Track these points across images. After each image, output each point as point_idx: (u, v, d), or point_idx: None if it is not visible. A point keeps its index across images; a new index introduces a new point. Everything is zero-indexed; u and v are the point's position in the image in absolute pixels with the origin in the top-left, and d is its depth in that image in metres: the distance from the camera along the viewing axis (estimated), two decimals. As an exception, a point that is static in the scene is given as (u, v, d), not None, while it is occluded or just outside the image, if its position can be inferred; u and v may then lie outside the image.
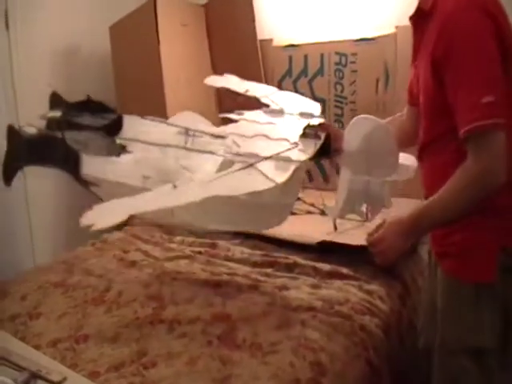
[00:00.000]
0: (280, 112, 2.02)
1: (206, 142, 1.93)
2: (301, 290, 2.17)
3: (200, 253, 2.61)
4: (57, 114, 1.81)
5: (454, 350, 1.58)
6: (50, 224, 3.67)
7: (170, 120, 2.04)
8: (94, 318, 2.04)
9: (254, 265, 2.43)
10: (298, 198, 2.28)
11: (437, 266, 1.67)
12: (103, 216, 1.41)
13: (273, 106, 2.10)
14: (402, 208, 1.75)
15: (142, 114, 1.98)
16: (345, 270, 2.27)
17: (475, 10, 1.35)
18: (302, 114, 1.94)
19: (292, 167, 1.62)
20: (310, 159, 1.75)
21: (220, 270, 2.40)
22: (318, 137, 1.78)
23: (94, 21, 3.64)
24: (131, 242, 2.84)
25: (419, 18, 1.54)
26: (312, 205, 2.62)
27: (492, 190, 1.41)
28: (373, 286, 2.18)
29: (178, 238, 2.83)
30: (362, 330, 1.91)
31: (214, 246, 2.67)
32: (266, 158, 1.63)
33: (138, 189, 1.67)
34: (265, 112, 2.05)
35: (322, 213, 2.28)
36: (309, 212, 2.82)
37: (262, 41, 3.54)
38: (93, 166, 1.70)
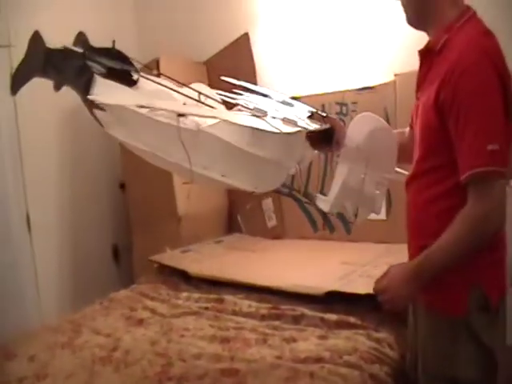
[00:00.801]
0: (290, 104, 1.97)
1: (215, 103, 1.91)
2: (309, 342, 2.16)
3: (207, 308, 2.61)
4: (79, 49, 1.81)
5: (434, 378, 1.60)
6: (57, 282, 3.69)
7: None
8: (101, 378, 2.03)
9: (262, 318, 2.43)
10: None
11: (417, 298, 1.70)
12: (111, 96, 1.57)
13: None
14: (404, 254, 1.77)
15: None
16: (352, 319, 2.26)
17: (485, 63, 1.40)
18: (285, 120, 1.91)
19: (296, 128, 1.64)
20: (310, 138, 1.77)
21: (227, 324, 2.39)
22: (324, 122, 1.82)
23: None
24: (138, 300, 2.84)
25: (427, 53, 1.59)
26: (298, 191, 2.24)
27: (492, 235, 1.45)
28: (381, 334, 2.16)
29: (185, 294, 2.83)
30: (372, 380, 1.89)
31: (220, 301, 2.67)
32: (274, 118, 1.67)
33: (143, 116, 1.65)
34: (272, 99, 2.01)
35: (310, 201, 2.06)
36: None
37: (263, 94, 3.63)
38: (104, 89, 1.68)
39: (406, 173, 1.75)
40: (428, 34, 1.61)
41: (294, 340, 2.18)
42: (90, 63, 1.73)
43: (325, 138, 1.83)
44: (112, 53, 1.86)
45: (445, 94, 1.44)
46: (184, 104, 1.72)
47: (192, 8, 4.14)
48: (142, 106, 1.58)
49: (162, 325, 2.47)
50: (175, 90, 1.78)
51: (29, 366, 2.18)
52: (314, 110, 1.86)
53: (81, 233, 3.84)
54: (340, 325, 2.27)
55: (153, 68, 3.56)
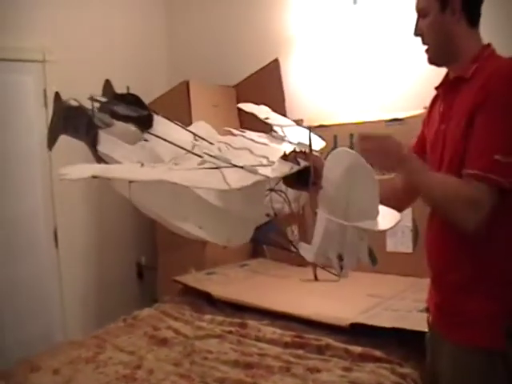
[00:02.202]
0: (280, 139, 2.02)
1: (209, 148, 1.91)
2: (332, 373, 2.14)
3: (230, 332, 2.61)
4: (102, 99, 2.01)
5: None
6: (82, 298, 3.72)
7: (190, 127, 2.15)
8: (125, 395, 2.04)
9: (285, 346, 2.42)
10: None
11: (440, 338, 1.66)
12: (76, 171, 1.59)
13: (278, 133, 2.09)
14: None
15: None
16: (377, 353, 2.24)
17: None
18: (300, 144, 1.90)
19: (254, 178, 1.55)
20: (284, 179, 1.68)
21: (251, 350, 2.39)
22: (297, 162, 1.67)
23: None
24: (161, 319, 2.86)
25: (451, 86, 1.61)
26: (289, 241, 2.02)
27: (463, 219, 1.46)
28: (406, 369, 2.14)
29: (208, 317, 2.84)
30: (396, 416, 1.87)
31: (244, 325, 2.67)
32: (235, 166, 1.60)
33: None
34: (267, 136, 2.06)
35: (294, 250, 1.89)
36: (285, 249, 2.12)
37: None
38: (106, 144, 1.83)
39: (397, 219, 1.65)
40: (450, 69, 1.64)
41: (318, 370, 2.17)
42: (97, 119, 1.89)
43: (302, 180, 1.68)
44: (128, 98, 2.05)
45: (479, 98, 1.46)
46: (142, 165, 1.69)
47: (223, 32, 4.23)
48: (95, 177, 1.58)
49: (185, 346, 2.48)
50: (166, 140, 1.88)
51: (53, 379, 2.21)
52: (293, 149, 1.74)
53: (106, 250, 3.89)
54: (364, 357, 2.25)
55: (183, 91, 3.65)
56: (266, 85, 3.75)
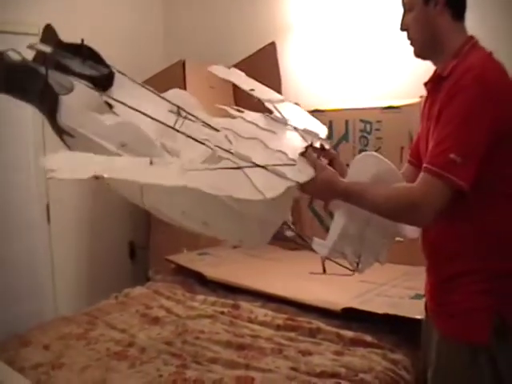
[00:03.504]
0: (282, 121, 1.81)
1: (196, 128, 1.72)
2: (324, 356, 2.15)
3: (223, 313, 2.61)
4: (47, 48, 1.65)
5: None
6: (73, 275, 3.71)
7: (163, 95, 1.88)
8: (117, 373, 2.04)
9: (278, 328, 2.42)
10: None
11: (431, 326, 1.67)
12: (69, 165, 1.30)
13: (276, 114, 1.88)
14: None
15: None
16: (369, 338, 2.26)
17: (479, 87, 1.42)
18: (307, 132, 1.74)
19: (285, 184, 1.43)
20: (303, 185, 1.52)
21: (243, 331, 2.40)
22: (322, 155, 1.62)
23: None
24: (153, 298, 2.85)
25: (434, 84, 1.61)
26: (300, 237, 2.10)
27: (409, 222, 1.59)
28: (397, 356, 2.15)
29: (200, 297, 2.84)
30: (387, 401, 1.88)
31: (236, 306, 2.67)
32: (258, 166, 1.44)
33: (112, 153, 1.53)
34: (266, 118, 1.84)
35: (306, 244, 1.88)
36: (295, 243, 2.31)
37: (287, 105, 3.65)
38: (72, 115, 1.54)
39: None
40: (435, 64, 1.63)
41: (310, 353, 2.18)
42: (55, 79, 1.55)
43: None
44: (84, 52, 1.71)
45: (447, 97, 1.46)
46: (151, 162, 1.40)
47: (221, 14, 4.19)
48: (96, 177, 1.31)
49: (177, 325, 2.48)
50: (150, 117, 1.61)
51: (43, 355, 2.20)
52: (310, 143, 1.65)
53: (99, 227, 3.87)
54: (356, 342, 2.26)
55: (178, 70, 3.61)
56: (263, 67, 3.71)
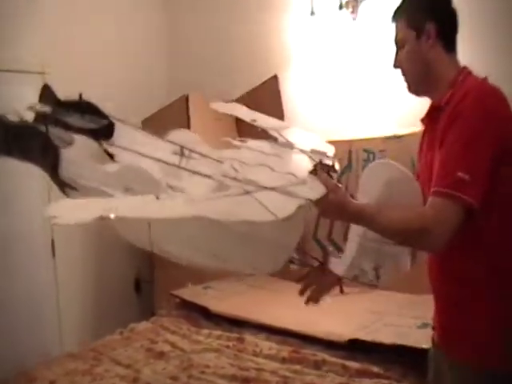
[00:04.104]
0: (288, 145, 1.78)
1: (201, 164, 1.68)
2: (330, 388, 2.14)
3: (228, 347, 2.61)
4: (46, 108, 1.65)
5: None
6: (79, 311, 3.71)
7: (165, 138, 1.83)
8: (122, 409, 2.03)
9: (283, 361, 2.41)
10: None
11: (444, 356, 1.63)
12: (71, 211, 1.26)
13: (281, 140, 1.86)
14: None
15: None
16: (375, 369, 2.24)
17: (482, 108, 1.44)
18: (315, 152, 1.71)
19: (296, 203, 1.38)
20: (317, 202, 1.47)
21: (248, 364, 2.39)
22: (330, 177, 1.57)
23: (127, 113, 3.83)
24: (159, 333, 2.85)
25: (432, 116, 1.62)
26: (315, 258, 1.98)
27: (422, 247, 1.53)
28: (404, 386, 2.14)
29: (205, 331, 2.83)
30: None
31: (241, 340, 2.66)
32: (267, 188, 1.41)
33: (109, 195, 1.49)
34: (271, 144, 1.82)
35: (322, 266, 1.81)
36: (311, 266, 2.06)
37: (291, 136, 3.68)
38: (73, 167, 1.53)
39: None
40: (430, 98, 1.65)
41: (315, 386, 2.17)
42: (56, 134, 1.56)
43: None
44: (82, 106, 1.70)
45: (447, 124, 1.47)
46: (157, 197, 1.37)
47: (224, 48, 4.26)
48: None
49: (182, 360, 2.47)
50: (154, 158, 1.59)
51: (49, 391, 2.20)
52: (320, 160, 1.63)
53: (104, 263, 3.87)
54: (362, 373, 2.24)
55: (182, 105, 3.67)
56: (265, 101, 3.76)
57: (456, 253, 1.53)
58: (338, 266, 1.71)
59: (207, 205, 1.35)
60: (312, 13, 3.62)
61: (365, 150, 3.39)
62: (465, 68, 1.60)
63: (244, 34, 4.14)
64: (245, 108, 2.14)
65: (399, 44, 1.62)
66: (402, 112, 3.38)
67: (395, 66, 1.65)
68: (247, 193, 1.39)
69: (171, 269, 3.68)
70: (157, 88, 4.36)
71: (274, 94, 3.78)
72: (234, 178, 1.48)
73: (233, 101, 3.96)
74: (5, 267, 3.33)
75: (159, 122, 3.77)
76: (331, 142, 3.43)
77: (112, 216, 1.21)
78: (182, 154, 1.70)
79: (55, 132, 1.58)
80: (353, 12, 3.55)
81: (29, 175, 3.46)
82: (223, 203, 1.37)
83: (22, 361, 2.56)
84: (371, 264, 1.70)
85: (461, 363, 1.55)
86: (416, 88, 1.65)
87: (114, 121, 1.74)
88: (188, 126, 3.58)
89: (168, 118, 3.70)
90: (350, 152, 3.42)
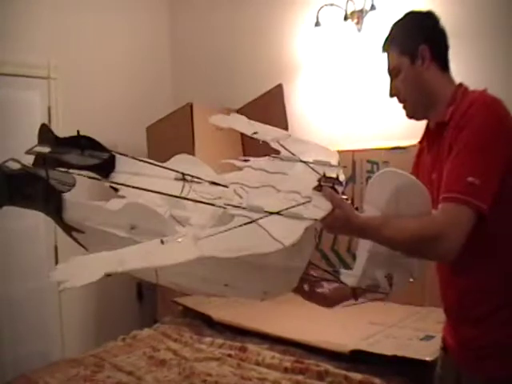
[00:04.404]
0: (291, 159, 1.76)
1: (204, 190, 1.69)
2: (332, 400, 2.14)
3: (230, 355, 2.60)
4: (45, 149, 1.66)
5: None
6: (81, 317, 3.71)
7: (167, 164, 1.84)
8: (124, 416, 2.03)
9: (285, 371, 2.41)
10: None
11: (460, 372, 1.60)
12: (78, 272, 1.25)
13: (284, 153, 1.83)
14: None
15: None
16: (377, 381, 2.23)
17: (492, 115, 1.45)
18: (318, 162, 1.69)
19: (303, 226, 1.38)
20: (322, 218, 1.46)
21: (250, 374, 2.38)
22: (335, 191, 1.53)
23: (132, 121, 3.85)
24: (161, 341, 2.85)
25: (434, 134, 1.62)
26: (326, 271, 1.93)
27: (435, 255, 1.45)
28: (406, 398, 2.13)
29: (208, 339, 2.83)
30: None
31: (244, 349, 2.66)
32: (272, 213, 1.40)
33: (125, 239, 1.50)
34: (274, 159, 1.80)
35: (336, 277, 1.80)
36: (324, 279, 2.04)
37: (295, 145, 3.69)
38: (77, 210, 1.52)
39: None
40: (429, 118, 1.66)
41: (318, 396, 2.16)
42: (57, 178, 1.56)
43: None
44: (81, 142, 1.70)
45: (454, 135, 1.47)
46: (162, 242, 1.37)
47: (229, 57, 4.28)
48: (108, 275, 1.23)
49: (184, 368, 2.47)
50: (155, 191, 1.58)
51: (51, 397, 2.20)
52: (323, 173, 1.60)
53: (107, 269, 3.87)
54: (364, 385, 2.24)
55: (186, 114, 3.68)
56: (269, 110, 3.77)
57: (468, 264, 1.51)
58: (349, 277, 1.68)
59: (213, 242, 1.33)
60: (317, 23, 3.64)
61: (368, 161, 3.39)
62: (461, 84, 1.61)
63: (249, 43, 4.17)
64: (245, 119, 2.11)
65: (393, 73, 1.64)
66: (406, 123, 3.36)
67: (391, 95, 1.66)
68: (252, 221, 1.38)
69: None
70: (161, 96, 4.38)
71: (279, 103, 3.79)
72: (238, 206, 1.47)
73: (237, 110, 4.00)
74: (8, 272, 3.34)
75: (163, 130, 3.79)
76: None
77: (119, 270, 1.21)
78: (184, 180, 1.70)
79: (56, 175, 1.57)
80: (358, 23, 3.57)
81: None
82: (229, 238, 1.35)
83: (24, 366, 2.56)
84: (383, 272, 1.66)
85: (488, 377, 1.53)
86: (415, 112, 1.66)
87: (114, 154, 1.73)
88: (192, 134, 3.60)
89: (172, 126, 3.72)
90: (353, 163, 3.42)
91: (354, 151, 3.45)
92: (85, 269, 1.25)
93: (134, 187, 1.59)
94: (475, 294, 1.54)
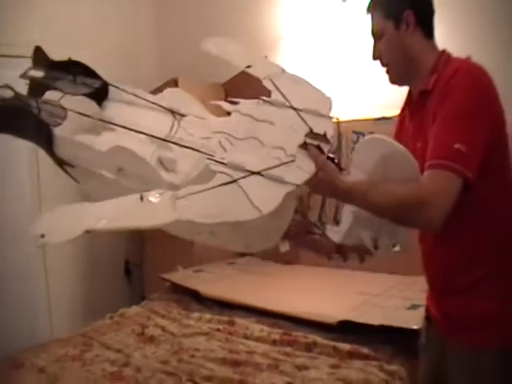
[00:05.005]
0: (281, 105, 1.69)
1: (192, 131, 1.67)
2: (321, 370, 2.14)
3: (218, 330, 2.60)
4: (39, 73, 1.65)
5: None
6: (68, 295, 3.70)
7: (158, 96, 1.84)
8: (112, 393, 2.03)
9: (273, 343, 2.42)
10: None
11: (447, 342, 1.61)
12: (57, 227, 1.27)
13: (274, 94, 1.78)
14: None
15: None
16: (365, 350, 2.25)
17: (477, 82, 1.44)
18: (308, 111, 1.61)
19: (283, 191, 1.34)
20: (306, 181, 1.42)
21: (239, 347, 2.39)
22: (321, 151, 1.47)
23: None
24: (149, 317, 2.84)
25: (417, 102, 1.60)
26: (313, 224, 1.91)
27: (420, 222, 1.40)
28: (393, 367, 2.14)
29: (196, 315, 2.83)
30: (383, 413, 1.87)
31: (232, 323, 2.66)
32: (253, 173, 1.38)
33: (111, 180, 1.54)
34: (262, 105, 1.75)
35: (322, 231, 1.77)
36: (309, 232, 2.00)
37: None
38: (66, 148, 1.54)
39: None
40: (411, 86, 1.64)
41: (306, 367, 2.17)
42: (46, 114, 1.56)
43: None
44: (74, 68, 1.70)
45: (439, 103, 1.45)
46: (141, 198, 1.37)
47: (212, 31, 4.19)
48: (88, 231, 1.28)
49: (172, 343, 2.47)
50: (143, 133, 1.58)
51: (39, 377, 2.18)
52: (310, 130, 1.53)
53: (94, 247, 3.85)
54: (352, 355, 2.25)
55: (170, 87, 3.62)
56: (255, 83, 3.72)
57: (451, 234, 1.50)
58: (335, 233, 1.66)
59: (190, 204, 1.33)
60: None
61: (354, 132, 3.38)
62: (444, 51, 1.58)
63: (233, 16, 4.10)
64: (240, 48, 2.11)
65: (377, 35, 1.61)
66: (391, 94, 3.35)
67: (374, 57, 1.63)
68: (232, 181, 1.36)
69: (161, 252, 3.68)
70: (145, 71, 4.31)
71: (264, 75, 3.75)
72: (221, 162, 1.44)
73: (222, 84, 3.96)
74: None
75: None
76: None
77: (98, 227, 1.25)
78: (174, 117, 1.71)
79: (47, 108, 1.57)
80: (342, -6, 3.53)
81: (19, 178, 3.47)
82: (208, 199, 1.34)
83: (12, 348, 2.54)
84: (368, 234, 1.62)
85: (466, 346, 1.53)
86: (398, 78, 1.63)
87: (106, 82, 1.72)
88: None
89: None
90: (339, 134, 3.41)
91: (339, 122, 3.43)
92: (65, 224, 1.27)
93: (121, 126, 1.57)
94: (458, 265, 1.54)
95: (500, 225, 1.50)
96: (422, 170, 1.46)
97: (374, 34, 1.62)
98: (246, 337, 2.51)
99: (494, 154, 1.45)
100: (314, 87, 1.82)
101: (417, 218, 1.39)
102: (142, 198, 1.32)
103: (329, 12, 3.61)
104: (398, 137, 1.71)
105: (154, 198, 1.36)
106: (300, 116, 1.60)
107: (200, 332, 2.59)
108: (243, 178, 1.37)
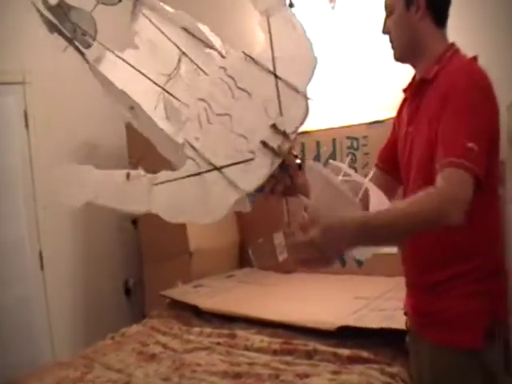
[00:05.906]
0: (263, 67, 1.67)
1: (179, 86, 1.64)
2: (322, 377, 2.14)
3: (219, 343, 2.60)
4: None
5: None
6: (69, 317, 3.69)
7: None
8: (114, 414, 2.02)
9: (274, 353, 2.42)
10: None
11: (419, 339, 1.62)
12: (69, 185, 1.49)
13: (265, 39, 1.77)
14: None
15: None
16: (365, 354, 2.25)
17: (478, 84, 1.43)
18: (287, 83, 1.63)
19: (233, 198, 1.37)
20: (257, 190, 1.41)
21: (239, 360, 2.39)
22: (294, 156, 1.46)
23: (110, 120, 3.81)
24: (150, 335, 2.84)
25: (417, 88, 1.61)
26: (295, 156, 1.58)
27: (443, 224, 1.32)
28: (394, 369, 2.14)
29: (196, 329, 2.83)
30: (386, 416, 1.87)
31: (232, 336, 2.66)
32: (216, 169, 1.42)
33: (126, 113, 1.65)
34: (248, 60, 1.73)
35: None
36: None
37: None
38: (96, 74, 1.65)
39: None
40: (414, 67, 1.63)
41: (307, 375, 2.17)
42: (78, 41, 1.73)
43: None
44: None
45: (442, 102, 1.44)
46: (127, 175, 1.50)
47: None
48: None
49: (173, 360, 2.47)
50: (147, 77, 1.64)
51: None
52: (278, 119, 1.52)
53: (93, 268, 3.86)
54: (353, 359, 2.25)
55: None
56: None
57: (438, 235, 1.47)
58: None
59: (162, 193, 1.44)
60: (291, 5, 3.60)
61: (348, 137, 3.39)
62: (453, 44, 1.57)
63: (220, 19, 4.10)
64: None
65: (388, 9, 1.59)
66: (384, 97, 3.37)
67: (383, 31, 1.62)
68: (198, 174, 1.43)
69: (160, 269, 3.69)
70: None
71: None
72: (193, 147, 1.48)
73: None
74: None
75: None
76: (315, 132, 3.43)
77: (94, 202, 1.44)
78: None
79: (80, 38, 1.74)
80: (331, 1, 3.54)
81: (14, 186, 3.47)
82: (176, 191, 1.44)
83: (14, 372, 2.54)
84: None
85: (434, 344, 1.55)
86: (400, 56, 1.61)
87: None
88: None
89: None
90: (333, 140, 3.43)
91: (333, 129, 3.45)
92: (75, 185, 1.49)
93: (130, 65, 1.62)
94: (433, 261, 1.54)
95: (483, 227, 1.50)
96: (409, 154, 1.51)
97: (386, 7, 1.60)
98: (246, 348, 2.51)
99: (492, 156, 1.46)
100: (307, 38, 1.77)
101: (442, 221, 1.31)
102: (128, 177, 1.46)
103: (319, 19, 3.61)
104: (398, 119, 1.73)
105: (137, 177, 1.48)
106: (278, 91, 1.62)
107: (201, 347, 2.59)
108: (206, 172, 1.43)
